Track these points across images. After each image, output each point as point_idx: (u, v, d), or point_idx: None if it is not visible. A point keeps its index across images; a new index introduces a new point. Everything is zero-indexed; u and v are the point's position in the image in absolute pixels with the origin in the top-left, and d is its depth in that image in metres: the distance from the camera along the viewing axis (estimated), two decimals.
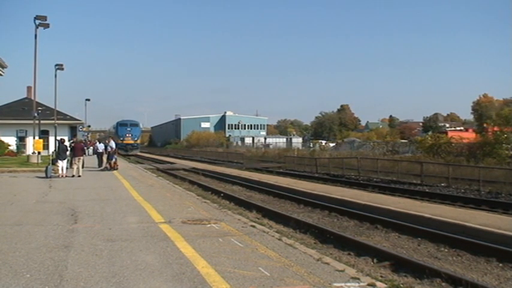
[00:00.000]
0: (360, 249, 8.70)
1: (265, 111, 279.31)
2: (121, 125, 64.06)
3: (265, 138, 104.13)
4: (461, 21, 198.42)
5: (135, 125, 65.05)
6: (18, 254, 6.56)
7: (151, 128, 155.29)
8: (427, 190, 19.31)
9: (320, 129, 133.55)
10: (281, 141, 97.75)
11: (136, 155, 59.82)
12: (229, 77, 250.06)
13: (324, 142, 70.94)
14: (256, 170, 32.34)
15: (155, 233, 8.18)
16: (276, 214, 12.91)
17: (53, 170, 21.28)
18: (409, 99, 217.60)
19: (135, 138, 62.89)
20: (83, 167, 22.64)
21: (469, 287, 6.26)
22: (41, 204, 12.25)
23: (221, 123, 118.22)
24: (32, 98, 38.81)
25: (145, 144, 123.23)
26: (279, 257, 6.53)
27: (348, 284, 5.31)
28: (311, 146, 68.49)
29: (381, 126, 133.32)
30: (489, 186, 19.19)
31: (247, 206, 14.48)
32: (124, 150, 58.74)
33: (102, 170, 25.49)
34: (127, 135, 61.81)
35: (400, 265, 7.57)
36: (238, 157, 47.04)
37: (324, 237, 9.89)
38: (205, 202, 12.94)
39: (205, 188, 19.54)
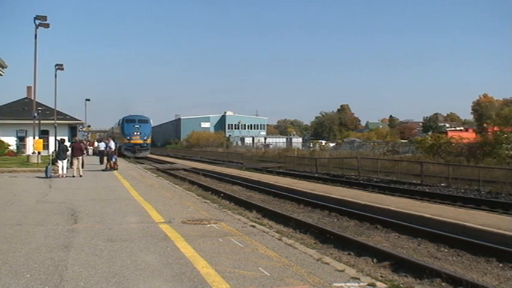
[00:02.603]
0: (360, 249, 8.70)
1: (265, 111, 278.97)
2: (128, 121, 51.74)
3: (265, 138, 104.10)
4: (461, 21, 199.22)
5: (144, 121, 52.71)
6: (18, 254, 6.56)
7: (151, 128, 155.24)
8: (427, 190, 19.30)
9: (320, 129, 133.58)
10: (281, 141, 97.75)
11: (145, 158, 50.66)
12: (229, 77, 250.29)
13: (323, 142, 70.81)
14: (256, 170, 32.34)
15: (155, 233, 8.19)
16: (276, 214, 12.91)
17: (53, 170, 21.30)
18: (409, 99, 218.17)
19: (145, 137, 51.37)
20: (83, 166, 22.64)
21: (469, 287, 6.26)
22: (41, 204, 12.25)
23: (221, 123, 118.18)
24: (32, 98, 38.84)
25: None
26: (279, 257, 6.53)
27: (348, 284, 5.31)
28: (311, 146, 68.41)
29: (380, 126, 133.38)
30: (489, 186, 19.16)
31: (247, 206, 14.48)
32: (131, 151, 49.72)
33: (103, 170, 25.48)
34: (135, 133, 50.55)
35: (400, 265, 7.57)
36: (238, 157, 47.01)
37: (324, 237, 9.89)
38: (205, 202, 12.94)
39: (205, 188, 19.54)
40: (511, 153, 26.70)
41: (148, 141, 52.67)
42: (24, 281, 5.28)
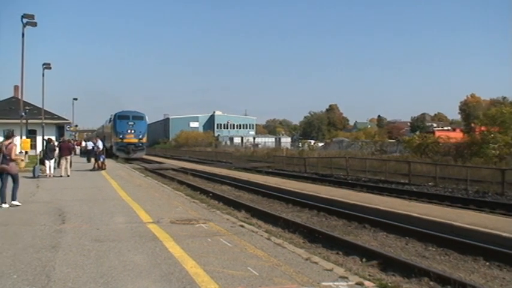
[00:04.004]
0: (348, 249, 8.74)
1: (254, 111, 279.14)
2: (120, 117, 45.13)
3: (254, 138, 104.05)
4: (449, 21, 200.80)
5: (139, 117, 46.00)
6: (5, 255, 6.49)
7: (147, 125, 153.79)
8: (414, 189, 19.42)
9: (309, 128, 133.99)
10: (270, 140, 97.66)
11: (141, 159, 44.64)
12: (218, 77, 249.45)
13: (312, 142, 70.94)
14: (245, 169, 32.31)
15: (143, 233, 8.15)
16: (265, 214, 12.92)
17: (40, 169, 21.11)
18: (397, 99, 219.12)
19: (140, 136, 44.72)
20: (70, 166, 22.48)
21: (457, 286, 6.31)
22: (28, 204, 12.13)
23: (210, 123, 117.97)
24: (19, 97, 38.44)
25: None
26: (268, 256, 6.54)
27: (337, 283, 5.33)
28: (300, 145, 68.46)
29: (369, 126, 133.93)
30: (476, 186, 19.30)
31: (236, 205, 14.46)
32: (125, 152, 43.65)
33: (90, 170, 25.30)
34: (129, 131, 44.07)
35: (388, 264, 7.62)
36: (227, 157, 46.97)
37: (312, 237, 9.92)
38: (193, 202, 12.91)
39: (194, 188, 19.47)
40: (497, 152, 26.94)
41: (144, 140, 46.04)
42: (11, 282, 5.23)
